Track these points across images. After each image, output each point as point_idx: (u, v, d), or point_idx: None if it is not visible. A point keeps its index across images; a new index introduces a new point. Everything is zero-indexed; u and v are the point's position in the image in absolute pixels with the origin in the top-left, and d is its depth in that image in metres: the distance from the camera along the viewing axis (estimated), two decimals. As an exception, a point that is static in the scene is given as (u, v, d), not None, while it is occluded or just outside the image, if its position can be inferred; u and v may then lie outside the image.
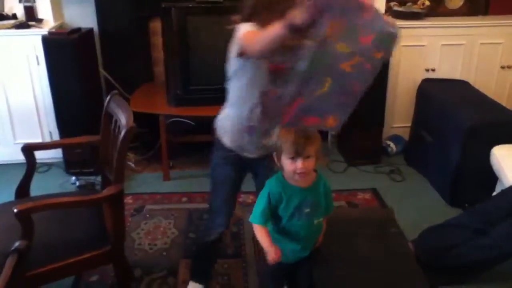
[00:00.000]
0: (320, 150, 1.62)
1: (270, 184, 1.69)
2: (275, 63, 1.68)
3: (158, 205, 2.90)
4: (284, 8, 1.50)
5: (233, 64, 1.73)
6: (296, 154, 1.58)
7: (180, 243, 2.53)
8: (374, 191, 3.07)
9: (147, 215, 2.78)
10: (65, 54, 2.92)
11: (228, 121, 1.86)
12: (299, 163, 1.58)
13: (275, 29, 1.45)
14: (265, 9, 1.65)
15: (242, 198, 2.89)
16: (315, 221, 1.73)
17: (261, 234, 1.71)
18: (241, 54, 1.65)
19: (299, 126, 1.57)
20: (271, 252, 1.69)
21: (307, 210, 1.69)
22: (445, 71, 3.45)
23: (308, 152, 1.58)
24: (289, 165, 1.60)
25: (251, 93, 1.74)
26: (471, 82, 3.42)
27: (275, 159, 1.67)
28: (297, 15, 1.37)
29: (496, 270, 2.26)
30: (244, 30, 1.63)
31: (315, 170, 1.70)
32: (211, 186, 1.99)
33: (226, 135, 1.87)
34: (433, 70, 3.45)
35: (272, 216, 1.71)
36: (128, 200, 2.91)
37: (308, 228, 1.73)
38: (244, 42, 1.60)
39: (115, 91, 2.07)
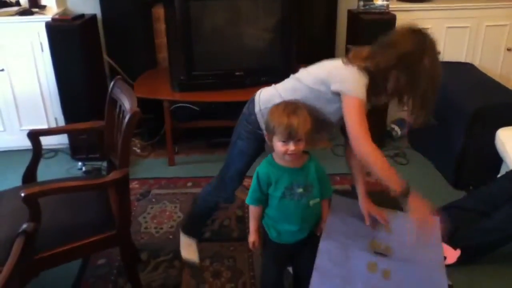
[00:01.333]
0: (309, 133, 1.66)
1: (260, 166, 1.75)
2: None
3: (163, 189, 2.92)
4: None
5: (321, 89, 1.76)
6: (289, 138, 1.61)
7: (185, 227, 2.56)
8: (379, 175, 3.07)
9: (153, 200, 2.81)
10: (69, 41, 2.92)
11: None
12: (291, 146, 1.63)
13: (395, 182, 1.70)
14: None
15: (247, 182, 2.90)
16: (311, 202, 1.76)
17: (251, 216, 1.83)
18: (338, 94, 1.73)
19: None
20: (249, 237, 1.83)
21: (300, 190, 1.72)
22: (450, 54, 3.43)
23: (299, 135, 1.62)
24: (281, 147, 1.64)
25: (320, 108, 1.78)
26: (477, 64, 3.40)
27: (266, 138, 1.71)
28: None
29: (499, 252, 2.27)
30: (358, 97, 1.68)
31: (306, 152, 1.75)
32: (230, 155, 2.04)
33: (266, 116, 1.87)
34: (438, 52, 3.42)
35: (267, 197, 1.76)
36: (134, 185, 2.93)
37: (304, 209, 1.76)
38: (359, 133, 1.68)
39: (119, 76, 2.08)
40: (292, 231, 1.79)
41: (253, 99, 1.93)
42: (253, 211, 1.81)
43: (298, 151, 1.65)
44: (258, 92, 1.94)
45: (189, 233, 2.30)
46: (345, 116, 1.71)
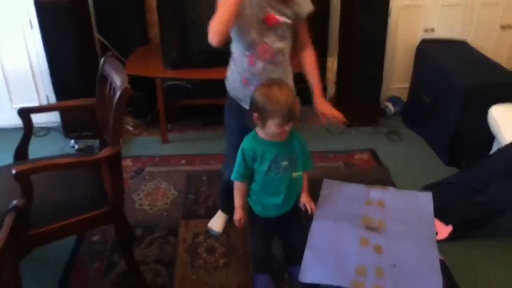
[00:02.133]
0: None
1: (244, 142, 1.76)
2: (269, 14, 1.74)
3: (157, 167, 2.92)
4: None
5: None
6: (289, 121, 1.62)
7: (179, 204, 2.57)
8: (372, 152, 3.09)
9: (147, 177, 2.81)
10: (59, 17, 2.87)
11: (231, 75, 1.93)
12: (286, 127, 1.64)
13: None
14: None
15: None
16: (294, 174, 1.78)
17: (236, 192, 1.84)
18: None
19: None
20: (235, 214, 1.84)
21: (285, 163, 1.74)
22: (444, 31, 3.41)
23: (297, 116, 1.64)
24: (276, 129, 1.64)
25: (243, 46, 1.80)
26: (470, 42, 3.39)
27: (255, 118, 1.67)
28: None
29: (490, 227, 2.31)
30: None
31: None
32: (225, 133, 2.10)
33: (230, 87, 1.96)
34: (432, 30, 3.41)
35: (253, 173, 1.78)
36: (128, 162, 2.93)
37: (289, 182, 1.78)
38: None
39: (109, 53, 2.05)
40: (276, 205, 1.82)
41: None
42: (238, 187, 1.82)
43: (290, 129, 1.67)
44: None
45: (221, 208, 2.39)
46: None
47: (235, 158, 2.05)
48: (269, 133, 1.68)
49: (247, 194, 1.84)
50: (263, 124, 1.67)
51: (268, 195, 1.79)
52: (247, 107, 1.85)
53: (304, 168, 1.85)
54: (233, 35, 1.81)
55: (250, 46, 1.78)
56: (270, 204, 1.81)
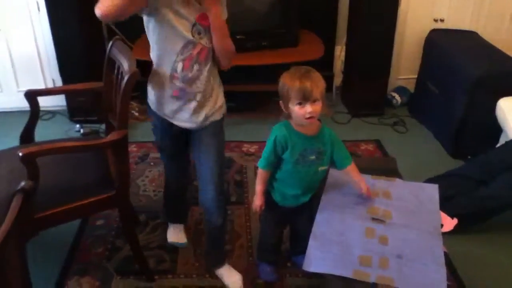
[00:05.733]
0: (324, 93, 1.64)
1: (276, 130, 1.72)
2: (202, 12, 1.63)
3: (162, 153, 2.92)
4: None
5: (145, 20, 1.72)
6: (304, 99, 1.60)
7: (184, 191, 2.57)
8: (378, 142, 3.08)
9: (151, 163, 2.81)
10: (66, 0, 2.85)
11: (154, 93, 1.83)
12: (308, 107, 1.60)
13: None
14: None
15: (245, 147, 2.92)
16: (320, 169, 1.77)
17: (259, 179, 1.81)
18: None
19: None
20: (256, 200, 1.80)
21: (312, 157, 1.72)
22: (454, 21, 3.37)
23: (315, 95, 1.60)
24: (298, 111, 1.62)
25: (175, 51, 1.68)
26: (480, 32, 3.35)
27: (282, 106, 1.68)
28: None
29: (494, 220, 2.30)
30: None
31: (318, 120, 1.72)
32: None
33: (156, 106, 1.84)
34: (442, 20, 3.37)
35: (279, 161, 1.75)
36: (132, 148, 2.93)
37: (313, 175, 1.77)
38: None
39: (117, 37, 2.04)
40: (296, 195, 1.80)
41: None
42: (263, 174, 1.79)
43: (316, 113, 1.62)
44: None
45: (171, 220, 2.26)
46: None
47: (163, 157, 2.08)
48: (297, 118, 1.65)
49: (267, 181, 1.82)
50: (288, 110, 1.65)
51: (289, 185, 1.78)
52: (178, 123, 1.80)
53: (345, 161, 1.80)
54: (156, 42, 1.71)
55: (184, 49, 1.66)
56: (290, 194, 1.80)
